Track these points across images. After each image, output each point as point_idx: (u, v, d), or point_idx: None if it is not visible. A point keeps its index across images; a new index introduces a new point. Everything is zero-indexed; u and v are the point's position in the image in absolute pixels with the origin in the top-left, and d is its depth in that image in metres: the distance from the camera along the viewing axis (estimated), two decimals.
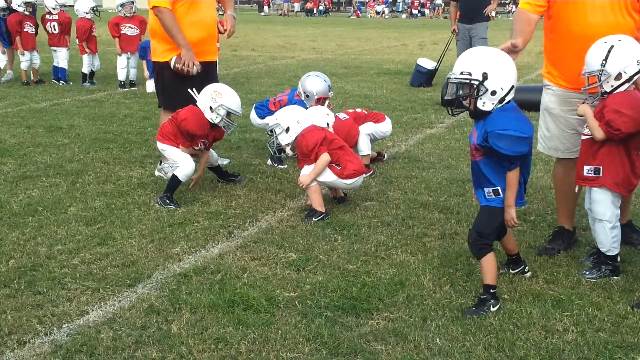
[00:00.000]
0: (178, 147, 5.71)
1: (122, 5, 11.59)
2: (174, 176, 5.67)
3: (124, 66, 11.67)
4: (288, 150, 5.66)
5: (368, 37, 26.46)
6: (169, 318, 3.72)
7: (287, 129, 5.52)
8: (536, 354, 3.33)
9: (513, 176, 3.75)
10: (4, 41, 12.14)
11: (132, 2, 11.56)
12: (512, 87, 3.69)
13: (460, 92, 3.72)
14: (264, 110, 7.08)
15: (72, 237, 4.88)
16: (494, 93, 3.66)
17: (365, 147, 6.58)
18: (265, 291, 4.03)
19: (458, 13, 11.66)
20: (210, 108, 5.67)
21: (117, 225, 5.14)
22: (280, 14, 52.02)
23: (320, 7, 52.36)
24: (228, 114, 5.74)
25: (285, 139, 5.56)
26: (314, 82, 6.83)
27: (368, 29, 33.03)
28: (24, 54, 11.89)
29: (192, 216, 5.36)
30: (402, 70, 14.88)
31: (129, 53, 11.68)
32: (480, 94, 3.65)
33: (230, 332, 3.57)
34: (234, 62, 16.34)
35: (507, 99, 3.69)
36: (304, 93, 6.81)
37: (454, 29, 12.04)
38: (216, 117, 5.69)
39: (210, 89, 5.72)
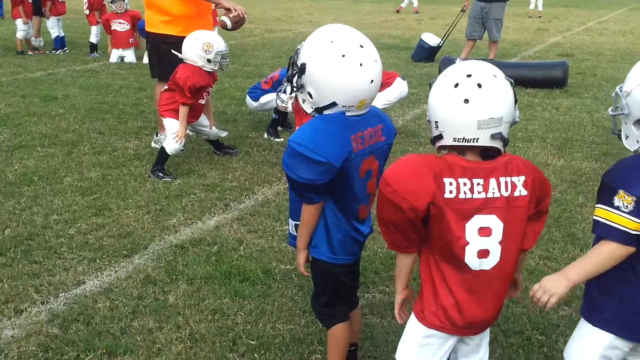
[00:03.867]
0: (175, 116, 5.65)
1: (112, 1, 11.45)
2: (162, 149, 5.64)
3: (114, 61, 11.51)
4: (289, 105, 5.72)
5: (367, 10, 26.27)
6: (166, 289, 3.73)
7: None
8: (532, 329, 3.35)
9: (305, 213, 2.61)
10: None
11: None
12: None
13: None
14: (258, 92, 7.06)
15: (67, 207, 4.87)
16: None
17: None
18: (261, 263, 4.04)
19: None
20: (208, 60, 5.64)
21: (113, 196, 5.13)
22: None
23: None
24: (222, 55, 5.73)
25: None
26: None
27: (367, 2, 32.77)
28: (27, 23, 11.79)
29: (189, 188, 5.36)
30: (399, 45, 14.81)
31: (120, 50, 11.50)
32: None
33: (226, 303, 3.59)
34: (230, 34, 16.20)
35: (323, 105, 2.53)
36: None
37: (465, 6, 11.89)
38: (215, 65, 5.69)
39: (196, 44, 5.61)
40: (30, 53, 11.95)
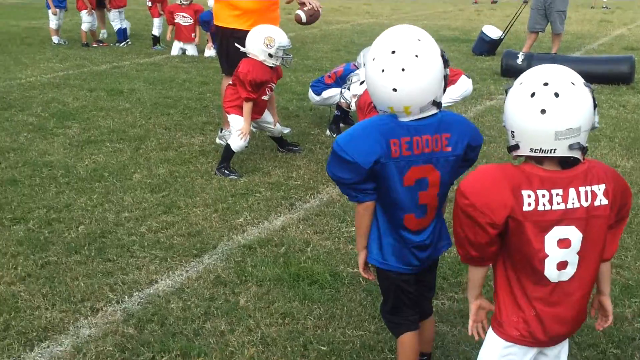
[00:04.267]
0: (240, 113, 5.69)
1: None
2: (227, 146, 5.70)
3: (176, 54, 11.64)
4: (353, 103, 5.70)
5: (424, 1, 26.05)
6: (236, 290, 3.79)
7: (362, 82, 5.56)
8: (607, 342, 3.30)
9: (356, 212, 2.68)
10: (60, 1, 12.21)
11: None
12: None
13: None
14: (320, 86, 7.08)
15: (138, 204, 4.98)
16: None
17: None
18: (329, 266, 4.07)
19: None
20: (270, 55, 5.65)
21: (181, 193, 5.22)
22: None
23: None
24: (284, 51, 5.73)
25: (356, 89, 5.60)
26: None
27: None
28: (91, 14, 12.00)
29: (254, 186, 5.41)
30: (459, 38, 14.65)
31: (181, 43, 11.61)
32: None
33: (296, 307, 3.62)
34: (289, 26, 16.23)
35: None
36: (364, 64, 6.75)
37: None
38: (277, 60, 5.68)
39: (259, 37, 5.63)
40: (94, 45, 12.18)
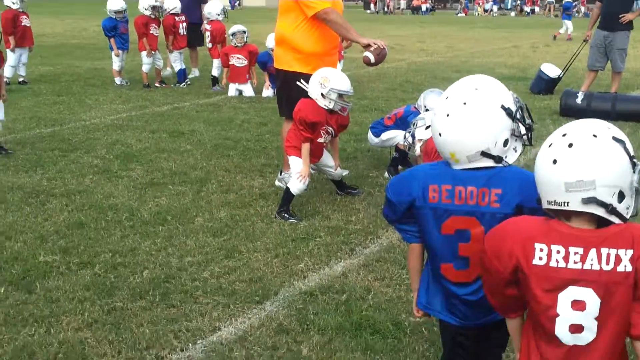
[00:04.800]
0: (300, 155, 5.75)
1: (233, 34, 11.71)
2: (287, 189, 5.76)
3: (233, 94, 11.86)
4: (418, 147, 5.69)
5: (477, 37, 26.02)
6: (298, 339, 3.80)
7: (428, 127, 5.57)
8: None
9: (409, 250, 2.77)
10: (123, 43, 12.56)
11: (244, 32, 11.67)
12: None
13: None
14: (379, 128, 7.12)
15: (200, 248, 5.05)
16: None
17: None
18: (391, 315, 4.05)
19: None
20: (322, 95, 5.71)
21: (242, 237, 5.27)
22: (386, 12, 51.83)
23: (427, 5, 51.84)
24: (340, 96, 5.77)
25: (421, 134, 5.60)
26: (437, 98, 6.77)
27: (477, 28, 32.49)
28: (151, 56, 12.32)
29: (314, 231, 5.44)
30: (515, 75, 14.57)
31: (237, 84, 11.81)
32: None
33: (358, 357, 3.61)
34: (345, 65, 16.42)
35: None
36: (424, 107, 6.78)
37: (587, 35, 11.57)
38: (329, 102, 5.72)
39: (317, 76, 5.75)
40: (157, 85, 12.46)
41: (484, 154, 2.42)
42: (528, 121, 2.49)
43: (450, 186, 2.47)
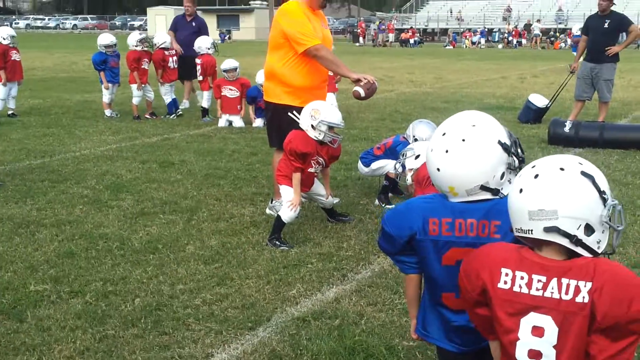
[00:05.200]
0: (291, 184, 5.78)
1: (225, 70, 11.92)
2: (278, 217, 5.78)
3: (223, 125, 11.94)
4: (409, 177, 5.73)
5: (466, 69, 26.27)
6: None
7: (418, 156, 5.63)
8: None
9: (405, 281, 2.85)
10: (113, 76, 12.63)
11: (236, 68, 11.91)
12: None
13: None
14: (369, 158, 7.17)
15: (192, 276, 5.03)
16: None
17: None
18: (384, 339, 4.04)
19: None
20: (312, 126, 5.76)
21: (234, 265, 5.26)
22: (375, 45, 52.30)
23: (415, 38, 52.35)
24: (330, 128, 5.80)
25: (411, 164, 5.66)
26: (425, 129, 6.84)
27: (465, 60, 32.81)
28: (141, 89, 12.39)
29: (305, 257, 5.44)
30: (504, 105, 14.70)
31: (228, 115, 11.92)
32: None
33: None
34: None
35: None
36: (413, 137, 6.84)
37: (574, 67, 11.72)
38: (319, 134, 5.77)
39: (308, 108, 5.82)
40: (147, 117, 12.50)
41: (483, 188, 2.48)
42: (521, 154, 2.54)
43: (450, 219, 2.52)
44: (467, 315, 2.56)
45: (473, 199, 2.51)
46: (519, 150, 2.56)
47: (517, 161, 2.54)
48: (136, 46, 12.42)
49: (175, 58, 12.74)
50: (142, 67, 12.44)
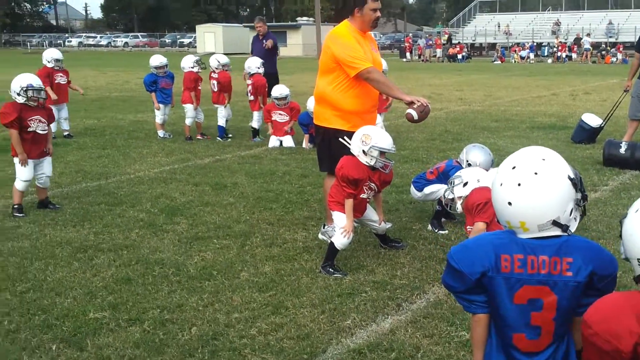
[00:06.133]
0: (343, 210, 5.78)
1: (276, 98, 12.03)
2: (331, 244, 5.77)
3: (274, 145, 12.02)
4: (459, 205, 5.70)
5: (515, 85, 25.97)
6: None
7: (466, 183, 5.60)
8: None
9: (471, 322, 2.72)
10: (164, 97, 12.80)
11: (287, 96, 12.04)
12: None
13: None
14: (422, 182, 7.14)
15: (247, 304, 5.05)
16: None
17: None
18: None
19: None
20: (363, 152, 5.74)
21: (288, 293, 5.27)
22: (422, 60, 52.13)
23: (463, 53, 52.01)
24: (382, 153, 5.79)
25: (460, 192, 5.63)
26: (478, 154, 6.80)
27: (514, 76, 32.46)
28: (195, 110, 12.56)
29: (359, 285, 5.42)
30: (556, 124, 14.49)
31: (277, 138, 12.07)
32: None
33: None
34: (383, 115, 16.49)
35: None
36: (467, 161, 6.80)
37: (628, 86, 11.51)
38: (371, 159, 5.74)
39: (359, 133, 5.81)
40: (199, 137, 12.64)
41: (555, 223, 2.46)
42: (584, 192, 2.53)
43: (522, 255, 2.49)
44: (538, 357, 2.53)
45: (544, 234, 2.48)
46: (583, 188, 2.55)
47: (582, 198, 2.53)
48: (192, 67, 12.62)
49: (215, 82, 12.72)
50: (198, 88, 12.61)
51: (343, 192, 5.74)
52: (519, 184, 2.46)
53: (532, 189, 2.44)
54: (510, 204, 2.48)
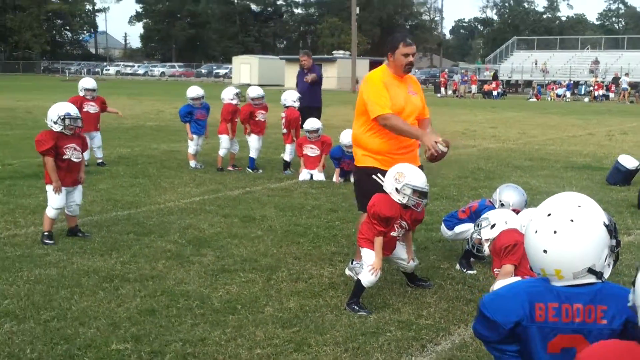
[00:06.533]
0: (372, 247, 5.73)
1: (308, 131, 12.15)
2: (358, 281, 5.73)
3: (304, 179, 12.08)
4: (486, 247, 5.64)
5: (550, 123, 25.79)
6: None
7: (493, 225, 5.55)
8: None
9: None
10: (199, 128, 12.92)
11: (318, 129, 12.14)
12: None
13: None
14: (453, 221, 7.09)
15: (269, 340, 5.01)
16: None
17: None
18: None
19: None
20: (396, 189, 5.70)
21: (312, 330, 5.22)
22: (457, 96, 52.09)
23: (499, 90, 51.86)
24: (414, 191, 5.73)
25: (487, 234, 5.59)
26: (512, 194, 6.76)
27: (549, 114, 32.25)
28: (233, 140, 12.75)
29: (384, 324, 5.35)
30: (591, 165, 14.32)
31: (307, 171, 12.16)
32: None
33: None
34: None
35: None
36: (500, 202, 6.73)
37: None
38: (403, 197, 5.69)
39: (393, 171, 5.80)
40: (230, 169, 12.71)
41: (590, 271, 2.42)
42: (618, 238, 2.49)
43: (556, 304, 2.45)
44: None
45: (578, 282, 2.44)
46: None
47: (616, 244, 2.49)
48: (232, 99, 12.77)
49: (263, 112, 12.84)
50: (235, 120, 12.75)
51: (374, 229, 5.69)
52: (555, 232, 2.43)
53: (569, 236, 2.41)
54: (545, 251, 2.44)
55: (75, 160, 7.57)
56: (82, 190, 7.87)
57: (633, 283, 2.20)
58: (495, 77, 54.93)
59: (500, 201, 6.75)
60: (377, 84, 6.13)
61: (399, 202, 5.72)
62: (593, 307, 2.43)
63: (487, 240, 5.57)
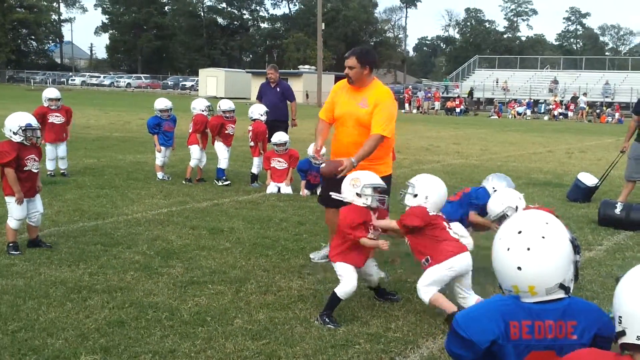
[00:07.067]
0: (347, 261, 5.78)
1: (275, 144, 12.26)
2: (333, 293, 5.77)
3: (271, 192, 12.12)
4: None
5: (512, 141, 26.20)
6: None
7: (415, 195, 5.74)
8: None
9: None
10: (166, 140, 12.89)
11: (286, 142, 12.23)
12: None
13: None
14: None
15: (239, 352, 5.03)
16: None
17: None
18: None
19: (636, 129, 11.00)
20: (357, 195, 5.79)
21: (281, 342, 5.25)
22: (420, 112, 52.58)
23: (462, 107, 52.51)
24: (375, 189, 5.82)
25: (410, 201, 5.91)
26: (500, 184, 7.27)
27: (510, 131, 32.76)
28: (203, 151, 12.76)
29: (353, 337, 5.41)
30: (551, 181, 14.59)
31: (275, 184, 12.23)
32: None
33: None
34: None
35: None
36: (493, 189, 7.20)
37: (624, 147, 11.58)
38: (367, 199, 5.78)
39: (346, 182, 5.92)
40: (196, 182, 12.68)
41: (561, 286, 2.49)
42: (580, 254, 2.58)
43: (529, 322, 2.50)
44: None
45: (549, 298, 2.50)
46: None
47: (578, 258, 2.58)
48: (203, 110, 12.82)
49: (233, 125, 12.88)
50: (205, 130, 12.78)
51: (349, 241, 5.75)
52: (528, 249, 2.48)
53: (542, 253, 2.47)
54: (520, 268, 2.49)
55: (34, 170, 7.50)
56: (47, 200, 7.79)
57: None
58: (470, 94, 55.79)
59: (493, 188, 7.20)
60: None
61: (364, 206, 5.80)
62: (563, 322, 2.49)
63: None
